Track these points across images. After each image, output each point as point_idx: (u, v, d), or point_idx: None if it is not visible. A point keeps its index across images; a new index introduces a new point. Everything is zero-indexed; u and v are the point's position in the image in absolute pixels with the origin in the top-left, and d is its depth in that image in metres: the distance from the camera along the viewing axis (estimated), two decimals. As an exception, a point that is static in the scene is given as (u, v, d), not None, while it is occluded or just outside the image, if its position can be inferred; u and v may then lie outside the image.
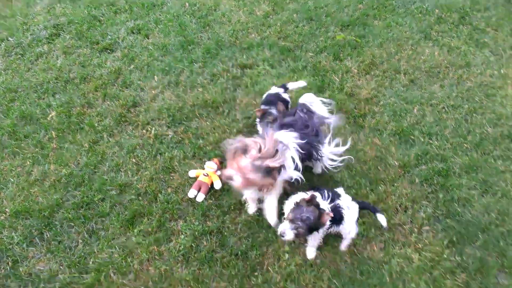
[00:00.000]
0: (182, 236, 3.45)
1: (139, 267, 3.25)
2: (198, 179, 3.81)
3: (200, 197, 3.72)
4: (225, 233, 3.48)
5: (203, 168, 3.91)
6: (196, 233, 3.47)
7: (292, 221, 2.78)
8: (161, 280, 3.18)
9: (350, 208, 3.07)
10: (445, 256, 3.29)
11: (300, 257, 3.32)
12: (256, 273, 3.25)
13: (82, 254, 3.33)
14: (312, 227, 2.80)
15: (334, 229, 3.07)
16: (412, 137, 4.25)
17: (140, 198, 3.74)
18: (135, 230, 3.48)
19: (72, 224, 3.54)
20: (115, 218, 3.56)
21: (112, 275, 3.20)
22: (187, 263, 3.29)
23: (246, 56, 5.25)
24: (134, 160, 4.06)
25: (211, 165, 3.87)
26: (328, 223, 2.87)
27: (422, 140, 4.21)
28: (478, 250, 3.34)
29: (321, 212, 2.79)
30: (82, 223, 3.54)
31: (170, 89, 4.89)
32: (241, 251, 3.36)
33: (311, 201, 2.79)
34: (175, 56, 5.28)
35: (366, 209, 3.33)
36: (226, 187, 3.82)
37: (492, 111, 4.46)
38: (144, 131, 4.36)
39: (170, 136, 4.33)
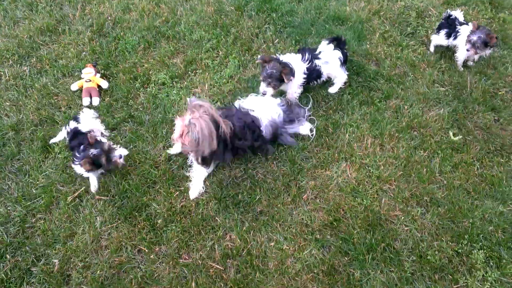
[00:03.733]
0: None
1: (81, 171, 3.51)
2: (84, 87, 3.99)
3: (96, 101, 3.97)
4: (137, 114, 3.87)
5: (81, 78, 4.06)
6: (114, 124, 3.79)
7: (263, 80, 3.49)
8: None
9: (329, 60, 3.69)
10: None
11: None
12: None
13: (21, 188, 3.39)
14: (280, 78, 3.46)
15: (317, 83, 3.86)
16: (233, -15, 5.07)
17: (39, 127, 3.79)
18: (56, 150, 3.62)
19: (-12, 176, 3.48)
20: (29, 151, 3.61)
21: (60, 187, 3.41)
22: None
23: (51, -24, 5.10)
24: (8, 103, 3.96)
25: (88, 71, 4.05)
26: (302, 79, 3.62)
27: (242, -16, 5.07)
28: (315, 38, 4.50)
29: (282, 64, 3.45)
30: (-3, 169, 3.51)
31: (-6, 33, 4.59)
32: (158, 119, 3.83)
33: (269, 60, 3.47)
34: (-26, 2, 4.83)
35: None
36: (111, 84, 4.12)
37: None
38: (-3, 77, 4.17)
39: (27, 70, 4.25)
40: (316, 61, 3.65)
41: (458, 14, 4.17)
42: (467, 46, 3.94)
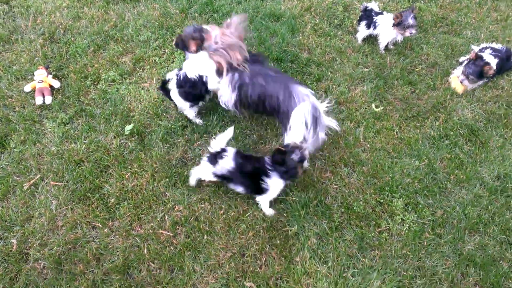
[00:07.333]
0: (56, 125, 3.98)
1: (37, 159, 3.73)
2: (37, 87, 4.23)
3: (48, 100, 4.21)
4: (88, 109, 4.15)
5: (34, 80, 4.31)
6: (67, 119, 4.04)
7: None
8: (59, 157, 3.76)
9: None
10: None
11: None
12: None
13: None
14: None
15: None
16: (176, -9, 5.48)
17: (-6, 126, 4.00)
18: (11, 145, 3.84)
19: None
20: (-15, 147, 3.81)
21: (16, 178, 3.62)
22: (74, 140, 3.92)
23: (0, -8, 5.38)
24: (-38, 107, 4.14)
25: (40, 72, 4.31)
26: None
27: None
28: (253, 33, 4.94)
29: None
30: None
31: None
32: (109, 111, 4.12)
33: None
34: None
35: None
36: (63, 83, 4.39)
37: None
38: (-50, 84, 4.35)
39: (-20, 77, 4.45)
40: None
41: (373, 5, 4.71)
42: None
